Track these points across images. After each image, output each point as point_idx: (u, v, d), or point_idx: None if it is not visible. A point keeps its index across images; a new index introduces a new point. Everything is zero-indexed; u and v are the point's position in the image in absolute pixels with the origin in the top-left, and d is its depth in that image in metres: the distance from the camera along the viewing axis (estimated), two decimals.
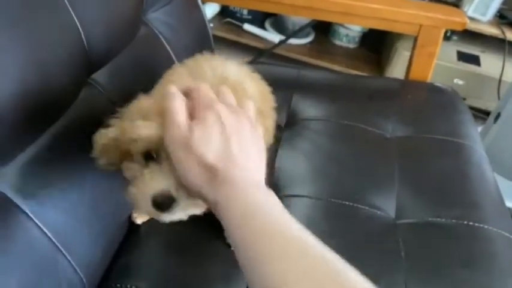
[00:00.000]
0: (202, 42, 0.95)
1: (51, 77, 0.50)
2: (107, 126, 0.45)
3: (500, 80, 1.52)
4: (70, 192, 0.53)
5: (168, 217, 0.42)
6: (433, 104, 0.94)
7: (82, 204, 0.55)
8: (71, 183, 0.53)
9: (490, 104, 1.58)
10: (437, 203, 0.71)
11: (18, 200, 0.47)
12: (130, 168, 0.44)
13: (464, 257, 0.63)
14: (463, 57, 1.62)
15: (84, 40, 0.55)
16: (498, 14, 1.58)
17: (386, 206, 0.70)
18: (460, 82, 1.61)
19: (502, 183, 1.40)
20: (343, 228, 0.66)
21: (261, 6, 1.03)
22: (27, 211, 0.47)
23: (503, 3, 1.56)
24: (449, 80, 1.59)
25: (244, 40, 1.74)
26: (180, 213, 0.42)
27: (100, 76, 0.61)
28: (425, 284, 0.60)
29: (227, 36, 1.74)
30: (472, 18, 1.54)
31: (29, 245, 0.48)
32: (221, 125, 0.40)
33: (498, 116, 1.39)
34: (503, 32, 1.52)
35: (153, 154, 0.42)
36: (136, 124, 0.41)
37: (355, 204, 0.69)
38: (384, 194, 0.72)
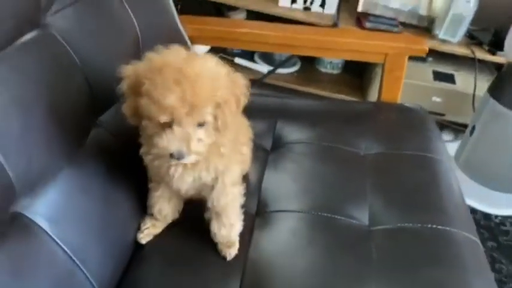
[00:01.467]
0: None
1: (67, 119, 0.62)
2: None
3: (474, 95, 1.64)
4: (87, 219, 0.63)
5: (180, 162, 0.58)
6: (402, 122, 1.05)
7: (96, 228, 0.65)
8: (87, 212, 0.63)
9: (467, 118, 1.69)
10: (406, 210, 0.81)
11: (44, 225, 0.57)
12: (150, 127, 0.56)
13: (430, 257, 0.73)
14: (438, 76, 1.74)
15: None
16: (468, 35, 1.71)
17: (361, 215, 0.80)
18: (438, 99, 1.72)
19: (477, 189, 1.51)
20: (323, 236, 0.76)
21: (249, 46, 1.17)
22: (51, 234, 0.57)
23: (472, 25, 1.69)
24: (428, 98, 1.70)
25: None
26: (189, 159, 0.57)
27: (107, 117, 0.73)
28: (394, 284, 0.69)
29: None
30: (443, 40, 1.67)
31: (52, 261, 0.58)
32: None
33: (473, 128, 1.50)
34: (472, 52, 1.64)
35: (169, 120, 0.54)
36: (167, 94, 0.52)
37: (334, 216, 0.79)
38: (358, 204, 0.82)
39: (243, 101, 0.61)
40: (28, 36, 0.60)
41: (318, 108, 1.13)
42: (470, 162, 1.53)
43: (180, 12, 1.04)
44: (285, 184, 0.87)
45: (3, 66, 0.55)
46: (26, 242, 0.55)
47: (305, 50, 1.09)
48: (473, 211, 1.51)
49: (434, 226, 0.77)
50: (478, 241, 0.78)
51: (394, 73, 1.07)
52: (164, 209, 0.72)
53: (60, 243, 0.58)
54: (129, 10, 0.84)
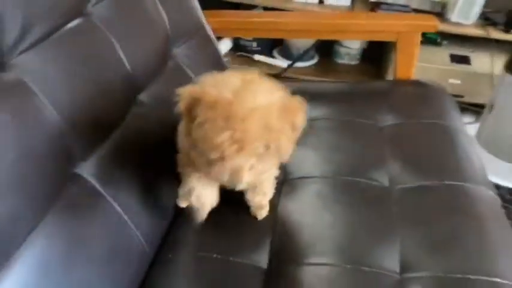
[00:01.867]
0: (218, 69, 1.14)
1: (110, 95, 0.70)
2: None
3: (492, 74, 1.67)
4: (136, 182, 0.70)
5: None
6: (418, 96, 1.10)
7: (142, 191, 0.72)
8: (136, 173, 0.71)
9: (485, 98, 1.71)
10: (424, 171, 0.85)
11: (98, 185, 0.64)
12: (198, 160, 0.59)
13: (447, 208, 0.78)
14: (455, 58, 1.78)
15: (130, 69, 0.75)
16: (483, 17, 1.74)
17: (381, 177, 0.85)
18: (456, 81, 1.76)
19: (500, 165, 1.53)
20: (346, 196, 0.82)
21: (268, 34, 1.24)
22: (105, 194, 0.65)
23: (486, 7, 1.72)
24: (445, 80, 1.73)
25: (256, 69, 1.95)
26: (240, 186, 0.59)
27: (144, 97, 0.81)
28: (414, 232, 0.74)
29: (241, 67, 1.95)
30: (457, 23, 1.71)
31: (107, 219, 0.65)
32: None
33: (492, 106, 1.53)
34: (487, 32, 1.68)
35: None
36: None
37: (355, 179, 0.85)
38: (378, 168, 0.87)
39: (300, 126, 0.59)
40: (73, 24, 0.68)
41: (336, 88, 1.19)
42: (491, 139, 1.56)
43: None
44: (307, 155, 0.93)
45: (52, 49, 0.63)
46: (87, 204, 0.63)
47: (322, 34, 1.15)
48: (498, 187, 1.53)
49: (451, 182, 0.82)
50: (494, 194, 0.82)
51: (408, 50, 1.12)
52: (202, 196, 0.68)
53: (112, 202, 0.65)
54: (160, 6, 0.92)
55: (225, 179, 0.56)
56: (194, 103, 0.55)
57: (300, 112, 0.59)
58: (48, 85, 0.58)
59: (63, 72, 0.62)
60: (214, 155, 0.54)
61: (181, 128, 0.61)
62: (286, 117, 0.56)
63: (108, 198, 0.65)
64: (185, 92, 0.58)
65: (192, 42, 1.04)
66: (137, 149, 0.73)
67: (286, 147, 0.58)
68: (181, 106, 0.57)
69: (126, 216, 0.66)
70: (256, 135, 0.54)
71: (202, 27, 1.10)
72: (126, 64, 0.75)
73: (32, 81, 0.56)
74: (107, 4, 0.76)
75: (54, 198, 0.57)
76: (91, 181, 0.63)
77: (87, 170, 0.63)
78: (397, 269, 0.66)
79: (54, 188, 0.57)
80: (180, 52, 0.99)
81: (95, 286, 0.58)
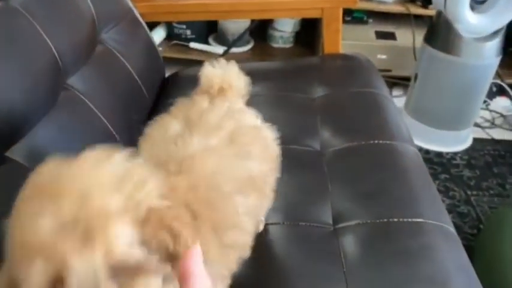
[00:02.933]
0: (151, 53, 1.15)
1: (37, 80, 0.69)
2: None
3: (414, 48, 1.78)
4: None
5: None
6: (345, 68, 1.16)
7: None
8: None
9: (411, 71, 1.83)
10: (352, 134, 0.91)
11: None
12: None
13: (375, 165, 0.84)
14: (380, 35, 1.88)
15: (56, 53, 0.74)
16: None
17: (314, 143, 0.90)
18: (383, 56, 1.86)
19: (430, 133, 1.65)
20: (284, 162, 0.86)
21: (199, 16, 1.26)
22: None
23: None
24: (373, 56, 1.82)
25: (192, 57, 1.96)
26: None
27: (72, 81, 0.80)
28: (346, 189, 0.79)
29: (176, 56, 1.94)
30: (380, 1, 1.80)
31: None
32: None
33: (416, 76, 1.64)
34: (407, 8, 1.79)
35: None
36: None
37: (289, 146, 0.89)
38: (311, 136, 0.92)
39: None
40: None
41: (270, 67, 1.24)
42: (418, 107, 1.67)
43: None
44: None
45: None
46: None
47: (250, 14, 1.19)
48: (427, 152, 1.65)
49: (377, 141, 0.88)
50: (416, 150, 0.90)
51: (332, 26, 1.18)
52: None
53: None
54: None
55: None
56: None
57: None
58: None
59: None
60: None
61: None
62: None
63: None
64: None
65: (121, 26, 1.04)
66: (68, 133, 0.73)
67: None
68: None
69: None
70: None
71: (130, 11, 1.10)
72: (52, 47, 0.74)
73: None
74: None
75: None
76: (23, 163, 0.63)
77: (18, 153, 0.62)
78: (330, 221, 0.71)
79: None
80: (109, 37, 0.99)
81: None
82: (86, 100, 0.81)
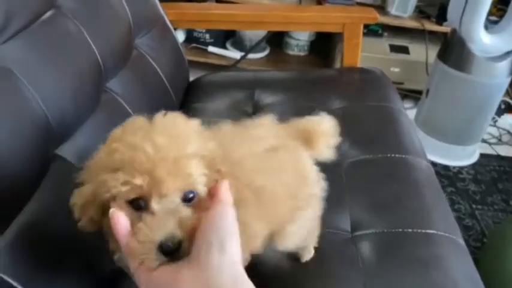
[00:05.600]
0: (178, 59, 1.20)
1: (83, 83, 0.74)
2: (78, 185, 0.45)
3: (426, 63, 1.83)
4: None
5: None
6: (362, 81, 1.22)
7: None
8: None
9: (422, 85, 1.88)
10: (368, 147, 0.96)
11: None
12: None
13: (388, 177, 0.89)
14: (394, 49, 1.93)
15: (100, 58, 0.80)
16: (417, 10, 1.90)
17: None
18: (396, 69, 1.91)
19: (438, 147, 1.69)
20: None
21: (223, 26, 1.31)
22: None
23: (420, 1, 1.88)
24: (386, 69, 1.87)
25: (210, 60, 2.01)
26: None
27: (112, 85, 0.86)
28: (361, 197, 0.84)
29: (195, 59, 2.00)
30: (396, 16, 1.86)
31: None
32: None
33: (428, 91, 1.69)
34: (422, 24, 1.84)
35: (142, 203, 0.41)
36: (119, 176, 0.40)
37: None
38: None
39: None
40: (46, 15, 0.72)
41: (288, 76, 1.29)
42: (427, 120, 1.72)
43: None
44: None
45: (32, 39, 0.67)
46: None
47: (273, 25, 1.24)
48: (434, 164, 1.70)
49: (392, 155, 0.93)
50: (429, 164, 0.95)
51: (353, 41, 1.23)
52: None
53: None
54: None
55: (161, 234, 0.39)
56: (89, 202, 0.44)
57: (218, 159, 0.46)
58: (31, 72, 0.62)
59: (43, 60, 0.66)
60: (134, 194, 0.41)
61: (84, 223, 0.45)
62: (210, 167, 0.44)
63: None
64: (76, 197, 0.45)
65: (153, 32, 1.09)
66: (109, 132, 0.78)
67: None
68: (77, 214, 0.45)
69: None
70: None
71: (162, 18, 1.15)
72: (97, 53, 0.79)
73: (15, 68, 0.60)
74: None
75: (39, 176, 0.61)
76: (70, 160, 0.68)
77: (67, 152, 0.68)
78: (349, 229, 0.76)
79: (39, 165, 0.61)
80: (142, 42, 1.04)
81: None
82: (123, 102, 0.87)
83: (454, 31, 1.56)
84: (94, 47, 0.79)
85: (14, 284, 0.52)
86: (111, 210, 0.41)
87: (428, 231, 0.74)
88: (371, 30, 1.95)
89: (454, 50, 1.57)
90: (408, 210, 0.79)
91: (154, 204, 0.41)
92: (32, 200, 0.59)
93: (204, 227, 0.40)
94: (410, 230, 0.74)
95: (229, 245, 0.39)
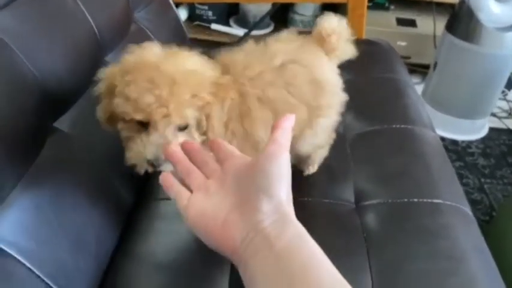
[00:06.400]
0: (179, 35, 1.18)
1: (80, 55, 0.73)
2: (98, 97, 0.57)
3: (434, 35, 1.78)
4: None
5: (159, 169, 0.52)
6: (368, 53, 1.18)
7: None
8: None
9: (429, 59, 1.84)
10: (374, 118, 0.94)
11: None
12: (126, 130, 0.54)
13: (396, 149, 0.87)
14: (401, 22, 1.88)
15: (96, 30, 0.78)
16: None
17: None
18: (403, 43, 1.87)
19: (447, 121, 1.66)
20: None
21: None
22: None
23: None
24: (393, 43, 1.83)
25: (213, 38, 1.98)
26: (167, 167, 0.51)
27: (110, 58, 0.84)
28: (368, 171, 0.83)
29: (198, 37, 1.97)
30: None
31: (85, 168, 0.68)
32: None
33: (435, 64, 1.65)
34: None
35: (145, 124, 0.52)
36: (130, 106, 0.51)
37: None
38: None
39: (229, 104, 0.57)
40: None
41: None
42: (435, 94, 1.69)
43: None
44: None
45: (23, 9, 0.65)
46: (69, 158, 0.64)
47: None
48: (442, 139, 1.67)
49: (398, 126, 0.91)
50: (436, 135, 0.92)
51: (357, 11, 1.20)
52: None
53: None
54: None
55: (150, 153, 0.51)
56: (113, 81, 0.53)
57: (230, 91, 0.57)
58: (24, 42, 0.60)
59: (36, 31, 0.64)
60: (139, 117, 0.51)
61: (100, 111, 0.57)
62: (217, 91, 0.54)
63: (84, 155, 0.68)
64: (104, 72, 0.56)
65: (152, 6, 1.07)
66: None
67: (216, 124, 0.56)
68: (99, 87, 0.56)
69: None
70: (184, 100, 0.51)
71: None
72: (93, 25, 0.77)
73: (7, 38, 0.58)
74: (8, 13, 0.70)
75: (35, 151, 0.60)
76: (68, 133, 0.67)
77: (65, 123, 0.67)
78: (353, 199, 0.75)
79: (36, 141, 0.60)
80: (141, 16, 1.02)
81: (84, 227, 0.62)
82: None
83: (462, 2, 1.52)
84: (90, 19, 0.77)
85: (15, 254, 0.52)
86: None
87: (434, 200, 0.72)
88: (377, 4, 1.91)
89: (462, 21, 1.52)
90: (414, 180, 0.77)
91: (152, 130, 0.51)
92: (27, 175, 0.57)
93: (254, 169, 0.42)
94: (416, 200, 0.72)
95: (278, 189, 0.40)
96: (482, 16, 1.45)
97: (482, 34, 1.47)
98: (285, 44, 0.66)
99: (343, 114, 0.96)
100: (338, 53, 0.71)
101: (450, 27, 1.56)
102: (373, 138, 0.89)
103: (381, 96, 1.02)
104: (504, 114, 1.85)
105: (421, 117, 0.97)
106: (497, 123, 1.79)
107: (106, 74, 0.55)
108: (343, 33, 0.71)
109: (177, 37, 1.16)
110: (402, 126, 0.91)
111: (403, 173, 0.79)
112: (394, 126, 0.91)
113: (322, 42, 0.69)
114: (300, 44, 0.67)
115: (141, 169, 0.54)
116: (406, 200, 0.73)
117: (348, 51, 0.74)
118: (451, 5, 1.84)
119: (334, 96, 0.71)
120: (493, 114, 1.80)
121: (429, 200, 0.72)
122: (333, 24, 0.69)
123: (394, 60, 1.17)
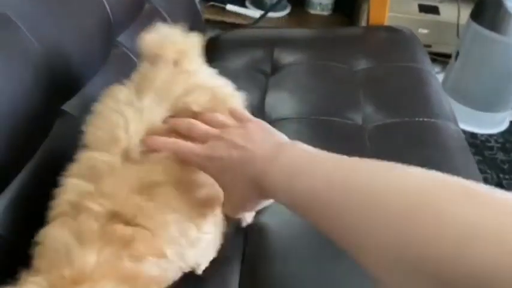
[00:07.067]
0: (194, 15, 1.14)
1: (90, 35, 0.69)
2: None
3: (458, 24, 1.72)
4: None
5: None
6: (389, 40, 1.14)
7: None
8: None
9: (451, 49, 1.78)
10: (395, 110, 0.90)
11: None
12: None
13: (417, 141, 0.83)
14: (424, 9, 1.81)
15: (109, 9, 0.74)
16: None
17: (355, 116, 0.89)
18: (425, 31, 1.80)
19: (466, 113, 1.61)
20: (322, 133, 0.86)
21: None
22: None
23: None
24: (414, 30, 1.77)
25: (228, 19, 1.93)
26: None
27: (122, 39, 0.81)
28: None
29: (212, 18, 1.92)
30: None
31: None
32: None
33: (457, 54, 1.59)
34: None
35: None
36: None
37: (330, 118, 0.89)
38: (352, 109, 0.91)
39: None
40: None
41: (310, 35, 1.21)
42: (456, 85, 1.63)
43: None
44: (283, 97, 0.96)
45: None
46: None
47: None
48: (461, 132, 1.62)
49: (420, 119, 0.87)
50: (459, 129, 0.88)
51: None
52: None
53: None
54: None
55: None
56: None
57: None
58: (31, 20, 0.57)
59: (44, 9, 0.61)
60: None
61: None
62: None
63: None
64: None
65: None
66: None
67: None
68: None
69: None
70: None
71: None
72: (106, 4, 0.74)
73: (15, 16, 0.55)
74: None
75: (44, 133, 0.58)
76: (77, 116, 0.64)
77: (73, 106, 0.64)
78: None
79: (44, 122, 0.58)
80: None
81: None
82: (133, 57, 0.82)
83: None
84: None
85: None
86: None
87: None
88: None
89: (489, 10, 1.46)
90: None
91: None
92: (35, 157, 0.55)
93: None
94: None
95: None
96: (510, 4, 1.39)
97: (510, 23, 1.40)
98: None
99: (362, 104, 0.94)
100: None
101: (475, 16, 1.50)
102: (393, 132, 0.85)
103: (403, 87, 0.97)
104: None
105: (444, 109, 0.92)
106: None
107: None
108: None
109: (191, 17, 1.12)
110: (425, 119, 0.87)
111: (424, 167, 0.76)
112: (415, 119, 0.87)
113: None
114: None
115: None
116: None
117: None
118: None
119: None
120: None
121: None
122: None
123: (417, 49, 1.12)
